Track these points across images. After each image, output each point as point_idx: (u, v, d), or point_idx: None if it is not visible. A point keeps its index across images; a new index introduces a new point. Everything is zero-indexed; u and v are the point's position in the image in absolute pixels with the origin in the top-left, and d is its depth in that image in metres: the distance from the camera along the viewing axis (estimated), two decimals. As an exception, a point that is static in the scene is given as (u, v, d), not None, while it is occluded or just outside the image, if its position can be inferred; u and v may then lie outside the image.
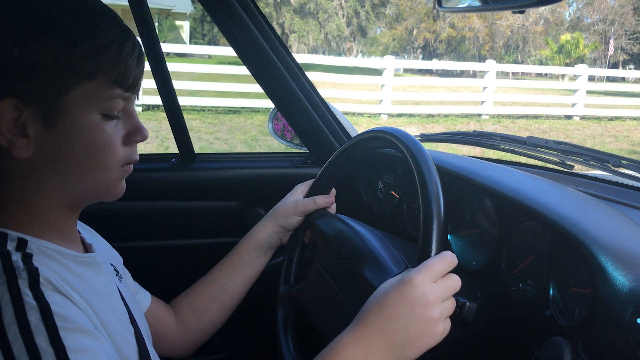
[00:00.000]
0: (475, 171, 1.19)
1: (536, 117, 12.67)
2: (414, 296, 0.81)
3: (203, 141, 8.65)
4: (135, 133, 0.84)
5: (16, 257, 0.70)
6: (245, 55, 1.43)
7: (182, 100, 10.18)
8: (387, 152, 1.43)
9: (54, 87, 0.74)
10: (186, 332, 1.20)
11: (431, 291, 0.82)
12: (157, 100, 8.86)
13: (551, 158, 1.28)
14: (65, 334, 0.66)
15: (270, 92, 1.51)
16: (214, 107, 10.85)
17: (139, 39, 1.24)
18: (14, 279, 0.67)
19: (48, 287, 0.69)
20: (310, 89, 1.52)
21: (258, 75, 1.47)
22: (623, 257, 0.84)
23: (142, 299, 1.14)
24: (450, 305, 0.85)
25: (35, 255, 0.73)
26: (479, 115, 12.40)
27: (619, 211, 1.07)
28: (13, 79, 0.73)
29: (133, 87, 0.81)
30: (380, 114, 11.82)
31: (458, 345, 1.03)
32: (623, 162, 1.19)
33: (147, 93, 9.50)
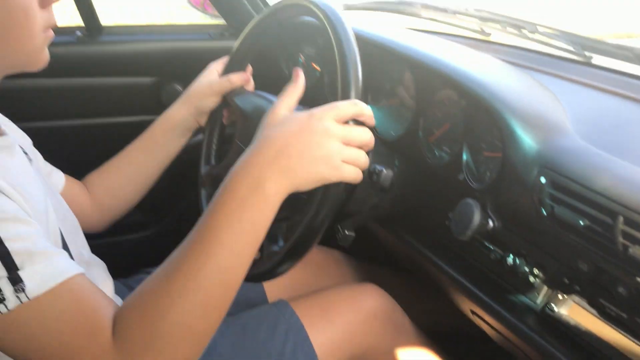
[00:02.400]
0: (395, 40, 1.17)
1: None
2: (313, 127, 0.79)
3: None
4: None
5: None
6: None
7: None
8: (307, 21, 1.37)
9: None
10: (101, 210, 1.18)
11: (333, 126, 0.80)
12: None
13: (470, 26, 1.27)
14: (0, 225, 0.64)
15: None
16: None
17: None
18: None
19: None
20: None
21: None
22: (532, 120, 0.87)
23: (56, 179, 1.10)
24: (355, 154, 0.82)
25: None
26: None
27: (531, 76, 1.09)
28: None
29: None
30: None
31: (377, 211, 1.07)
32: (539, 28, 1.20)
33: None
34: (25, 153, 0.95)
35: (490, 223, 0.90)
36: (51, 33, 0.81)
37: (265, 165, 0.78)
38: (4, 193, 0.68)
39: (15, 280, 0.63)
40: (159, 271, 0.75)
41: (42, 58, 0.81)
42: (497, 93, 0.92)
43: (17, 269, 0.63)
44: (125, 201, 1.20)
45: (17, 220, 0.67)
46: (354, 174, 0.82)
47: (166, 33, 1.55)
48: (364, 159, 0.83)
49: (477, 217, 0.89)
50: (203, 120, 1.21)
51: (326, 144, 0.79)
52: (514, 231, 0.89)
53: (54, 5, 0.80)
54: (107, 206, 1.18)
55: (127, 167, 1.19)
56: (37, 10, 0.76)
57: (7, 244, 0.63)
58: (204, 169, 1.20)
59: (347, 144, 0.81)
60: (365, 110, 0.84)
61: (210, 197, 1.19)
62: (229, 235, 0.75)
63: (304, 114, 0.81)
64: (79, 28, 1.44)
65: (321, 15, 0.94)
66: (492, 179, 0.91)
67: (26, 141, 1.03)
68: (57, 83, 1.43)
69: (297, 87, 0.89)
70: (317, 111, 0.81)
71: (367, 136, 0.84)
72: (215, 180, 1.18)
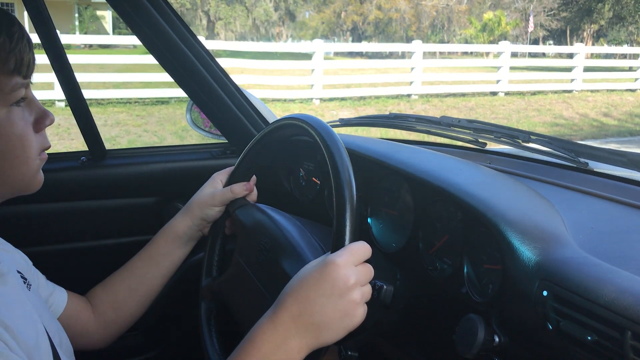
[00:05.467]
0: (388, 154, 1.20)
1: (463, 94, 12.97)
2: (335, 277, 0.80)
3: (131, 134, 8.36)
4: (43, 118, 0.82)
5: None
6: (151, 45, 1.37)
7: (107, 94, 9.84)
8: (305, 139, 1.41)
9: None
10: (105, 325, 1.16)
11: (353, 274, 0.81)
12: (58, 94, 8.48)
13: (465, 137, 1.30)
14: None
15: (182, 83, 1.46)
16: (140, 98, 10.35)
17: (34, 34, 1.17)
18: None
19: None
20: (223, 77, 1.47)
21: (167, 65, 1.41)
22: (529, 231, 0.86)
23: (59, 298, 1.09)
24: (368, 290, 0.84)
25: None
26: (409, 95, 12.56)
27: (527, 186, 1.10)
28: None
29: (31, 72, 0.79)
30: (312, 99, 11.76)
31: (381, 327, 1.04)
32: (532, 137, 1.22)
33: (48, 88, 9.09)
34: (25, 279, 0.94)
35: (497, 338, 0.87)
36: (45, 155, 0.84)
37: (289, 323, 0.79)
38: None
39: None
40: None
41: (37, 180, 0.83)
42: (493, 205, 0.92)
43: None
44: (129, 314, 1.19)
45: None
46: (366, 311, 0.83)
47: (168, 153, 1.59)
48: (370, 290, 0.85)
49: (481, 334, 0.86)
50: (206, 230, 1.22)
51: (347, 295, 0.80)
52: (522, 346, 0.86)
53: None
54: (111, 320, 1.17)
55: (131, 279, 1.18)
56: (32, 136, 0.80)
57: None
58: (205, 281, 1.19)
59: (362, 285, 0.82)
60: (370, 250, 0.86)
61: (209, 311, 1.16)
62: None
63: (322, 263, 0.82)
64: (83, 153, 1.49)
65: (316, 137, 0.96)
66: (495, 292, 0.89)
67: (26, 264, 1.03)
68: (61, 207, 1.46)
69: None
70: (333, 258, 0.82)
71: (372, 273, 0.85)
72: (215, 294, 1.17)
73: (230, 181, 1.21)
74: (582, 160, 1.17)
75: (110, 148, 1.49)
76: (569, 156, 1.17)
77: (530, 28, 29.34)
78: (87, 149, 1.47)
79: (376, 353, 1.22)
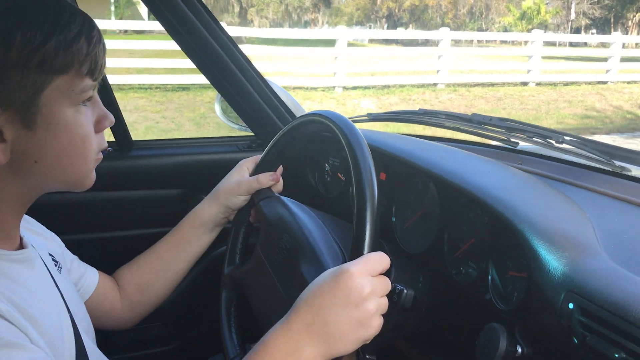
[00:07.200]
0: (416, 154, 1.17)
1: (492, 84, 12.58)
2: (350, 286, 0.78)
3: (149, 120, 8.31)
4: (104, 119, 0.83)
5: None
6: (178, 36, 1.36)
7: (130, 79, 9.76)
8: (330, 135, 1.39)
9: (29, 86, 0.72)
10: (131, 306, 1.19)
11: (368, 283, 0.79)
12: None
13: (496, 135, 1.26)
14: None
15: (208, 74, 1.45)
16: (162, 84, 10.26)
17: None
18: None
19: None
20: (249, 68, 1.46)
21: (193, 56, 1.40)
22: (557, 240, 0.83)
23: (90, 279, 1.12)
24: (385, 303, 0.82)
25: None
26: (435, 84, 12.24)
27: (557, 190, 1.06)
28: None
29: (100, 75, 0.80)
30: (334, 87, 11.52)
31: (402, 331, 1.02)
32: (566, 138, 1.18)
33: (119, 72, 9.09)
34: (56, 262, 0.96)
35: (519, 349, 0.84)
36: (101, 156, 0.85)
37: (303, 331, 0.79)
38: (3, 317, 0.68)
39: None
40: None
41: (90, 180, 0.85)
42: (520, 211, 0.89)
43: None
44: (155, 297, 1.21)
45: (10, 346, 0.66)
46: (381, 322, 0.82)
47: (195, 146, 1.59)
48: (387, 303, 0.83)
49: (503, 344, 0.83)
50: (232, 217, 1.22)
51: (362, 305, 0.79)
52: (545, 358, 0.83)
53: None
54: (137, 301, 1.19)
55: (156, 263, 1.20)
56: (93, 136, 0.81)
57: None
58: (227, 269, 1.19)
59: (379, 296, 0.81)
60: (389, 262, 0.84)
61: (229, 300, 1.17)
62: None
63: (337, 271, 0.81)
64: (110, 144, 1.49)
65: (339, 134, 0.95)
66: (520, 301, 0.86)
67: (59, 247, 1.05)
68: (87, 197, 1.47)
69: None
70: (348, 267, 0.80)
71: (389, 286, 0.84)
72: (237, 283, 1.17)
73: (256, 171, 1.21)
74: (617, 163, 1.12)
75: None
76: (604, 159, 1.12)
77: (572, 16, 28.57)
78: (114, 140, 1.48)
79: (397, 355, 1.21)
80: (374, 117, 1.48)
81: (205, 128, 8.39)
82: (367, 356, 1.00)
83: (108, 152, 1.47)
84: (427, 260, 1.09)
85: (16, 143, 0.73)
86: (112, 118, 0.85)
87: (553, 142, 1.17)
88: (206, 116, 8.82)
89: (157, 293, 1.21)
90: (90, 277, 1.12)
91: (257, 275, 1.11)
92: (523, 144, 1.26)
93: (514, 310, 0.87)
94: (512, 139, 1.24)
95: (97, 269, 1.15)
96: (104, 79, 1.39)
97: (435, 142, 1.35)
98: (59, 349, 0.77)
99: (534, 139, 1.20)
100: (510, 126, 1.25)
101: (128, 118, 8.34)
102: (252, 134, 1.63)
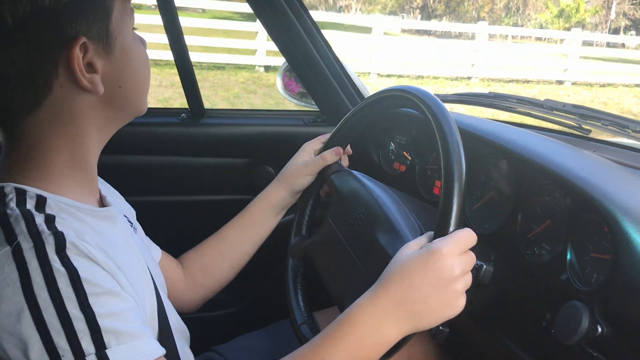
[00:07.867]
0: (493, 132, 1.17)
1: (527, 81, 12.41)
2: (441, 267, 0.80)
3: (184, 97, 8.34)
4: (144, 44, 0.87)
5: (40, 220, 0.69)
6: (262, 12, 1.39)
7: (166, 55, 9.82)
8: (402, 111, 1.40)
9: (101, 12, 0.75)
10: (194, 287, 1.20)
11: (458, 263, 0.81)
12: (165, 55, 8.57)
13: (568, 122, 1.26)
14: (94, 299, 0.66)
15: (284, 49, 1.47)
16: (198, 62, 10.18)
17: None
18: (42, 245, 0.66)
19: (74, 252, 0.68)
20: (325, 47, 1.48)
21: (273, 30, 1.43)
22: None
23: (154, 252, 1.14)
24: (469, 279, 0.84)
25: (57, 217, 0.72)
26: (469, 78, 12.16)
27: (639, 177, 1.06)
28: (73, 17, 0.72)
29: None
30: (369, 72, 11.53)
31: (470, 307, 1.03)
32: (642, 127, 1.17)
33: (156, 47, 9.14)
34: (131, 222, 0.99)
35: (599, 328, 0.85)
36: None
37: (390, 308, 0.80)
38: (100, 265, 0.71)
39: (102, 358, 0.65)
40: None
41: (145, 104, 0.88)
42: (608, 193, 0.89)
43: (104, 347, 0.65)
44: (219, 279, 1.22)
45: (110, 294, 0.69)
46: (464, 300, 0.83)
47: (262, 117, 1.62)
48: (471, 278, 0.85)
49: (585, 322, 0.84)
50: (297, 199, 1.24)
51: (451, 285, 0.80)
52: (625, 340, 0.84)
53: None
54: (200, 283, 1.21)
55: (222, 245, 1.22)
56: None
57: (99, 321, 0.66)
58: (294, 240, 1.22)
59: (465, 274, 0.83)
60: (476, 237, 0.85)
61: (296, 269, 1.19)
62: None
63: (427, 251, 0.82)
64: (184, 110, 1.53)
65: (426, 111, 0.95)
66: (601, 283, 0.87)
67: (132, 213, 1.08)
68: (159, 160, 1.51)
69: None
70: (439, 247, 0.81)
71: (474, 260, 0.86)
72: (303, 254, 1.19)
73: (325, 148, 1.23)
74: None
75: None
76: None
77: (612, 16, 27.94)
78: (187, 107, 1.52)
79: (461, 333, 1.22)
80: (441, 99, 1.47)
81: (238, 107, 8.41)
82: (440, 327, 1.02)
83: (182, 118, 1.51)
84: (496, 241, 1.10)
85: (103, 72, 0.77)
86: (145, 41, 0.88)
87: (630, 130, 1.17)
88: (240, 96, 8.83)
89: (220, 275, 1.22)
90: (153, 251, 1.14)
91: (328, 247, 1.13)
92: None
93: (594, 291, 0.88)
94: (584, 126, 1.24)
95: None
96: (182, 49, 1.43)
97: (508, 125, 1.35)
98: (142, 301, 0.80)
99: (609, 127, 1.20)
100: (585, 113, 1.25)
101: (163, 93, 8.46)
102: (315, 109, 1.65)
